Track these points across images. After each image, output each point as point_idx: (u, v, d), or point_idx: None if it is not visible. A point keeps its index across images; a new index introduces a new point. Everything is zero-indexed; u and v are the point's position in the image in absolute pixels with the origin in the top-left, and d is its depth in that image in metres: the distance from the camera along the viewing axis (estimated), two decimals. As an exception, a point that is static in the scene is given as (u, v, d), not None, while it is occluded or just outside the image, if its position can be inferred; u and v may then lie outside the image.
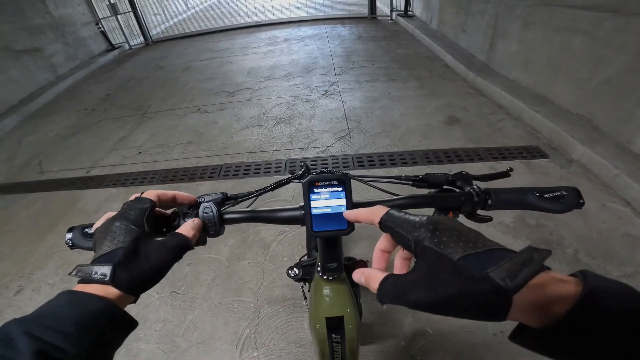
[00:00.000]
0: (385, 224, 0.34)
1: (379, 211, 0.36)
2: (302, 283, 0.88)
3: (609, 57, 2.45)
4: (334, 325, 0.63)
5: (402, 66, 4.26)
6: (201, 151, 2.77)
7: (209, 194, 0.50)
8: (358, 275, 0.35)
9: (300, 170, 0.54)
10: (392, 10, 7.12)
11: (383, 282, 0.31)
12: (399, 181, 0.53)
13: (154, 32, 8.83)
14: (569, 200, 0.45)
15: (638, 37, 2.24)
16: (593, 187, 2.05)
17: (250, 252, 1.85)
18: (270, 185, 0.54)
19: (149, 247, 0.38)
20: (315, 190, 0.45)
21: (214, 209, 0.48)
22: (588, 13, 2.64)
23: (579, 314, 0.24)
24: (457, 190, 0.51)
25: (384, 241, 0.37)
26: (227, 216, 0.50)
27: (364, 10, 7.58)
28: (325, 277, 0.63)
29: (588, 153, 2.23)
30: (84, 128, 3.69)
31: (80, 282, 0.35)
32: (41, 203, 2.48)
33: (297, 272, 0.81)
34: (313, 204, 0.45)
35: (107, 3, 7.23)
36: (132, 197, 0.43)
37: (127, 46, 7.55)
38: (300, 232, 1.82)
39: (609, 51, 2.44)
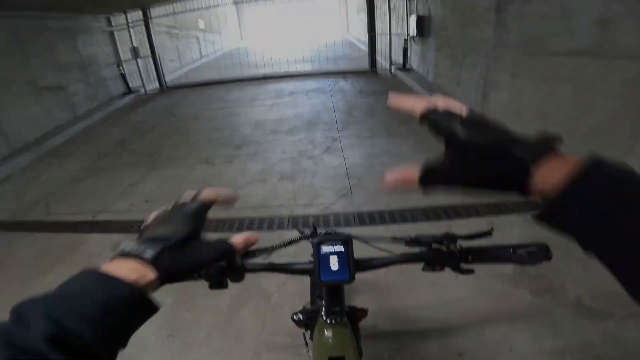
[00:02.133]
0: (427, 116, 0.38)
1: (422, 102, 0.39)
2: (303, 330, 0.92)
3: (594, 103, 2.50)
4: None
5: (401, 122, 4.51)
6: (207, 203, 2.87)
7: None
8: (392, 176, 0.37)
9: (309, 231, 0.63)
10: (391, 64, 7.64)
11: (423, 171, 0.36)
12: (395, 242, 0.61)
13: (169, 78, 9.40)
14: (539, 254, 0.53)
15: (619, 81, 2.30)
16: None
17: (252, 301, 1.88)
18: (284, 242, 0.63)
19: (198, 243, 0.40)
20: (323, 247, 0.55)
21: (239, 258, 0.56)
22: (570, 59, 2.72)
23: (584, 179, 0.27)
24: (444, 248, 0.58)
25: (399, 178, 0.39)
26: (249, 265, 0.58)
27: (365, 64, 8.12)
28: (329, 322, 0.69)
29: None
30: (95, 172, 3.83)
31: (119, 255, 0.36)
32: (44, 243, 2.52)
33: (301, 317, 0.85)
34: (322, 258, 0.54)
35: (130, 46, 7.74)
36: (187, 194, 0.45)
37: (143, 91, 8.01)
38: (300, 284, 1.86)
39: (594, 98, 2.49)
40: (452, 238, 0.59)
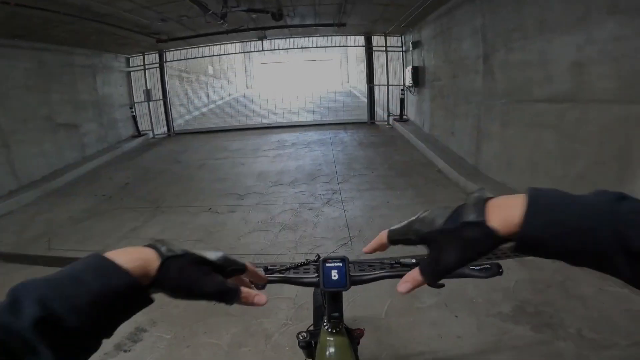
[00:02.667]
0: (392, 238, 0.45)
1: (383, 235, 0.47)
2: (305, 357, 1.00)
3: (577, 150, 2.54)
4: None
5: (399, 173, 4.68)
6: (209, 251, 2.91)
7: (260, 265, 0.73)
8: (404, 285, 0.42)
9: (315, 257, 0.79)
10: (389, 115, 8.04)
11: (421, 271, 0.40)
12: (383, 265, 0.77)
13: (177, 123, 9.78)
14: (492, 270, 0.64)
15: (598, 126, 2.34)
16: (586, 275, 2.14)
17: (252, 340, 1.87)
18: (295, 264, 0.78)
19: (210, 275, 0.40)
20: (327, 264, 0.70)
21: (261, 271, 0.66)
22: (551, 106, 2.80)
23: (529, 215, 0.32)
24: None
25: (374, 247, 0.49)
26: (270, 279, 0.71)
27: (364, 115, 8.55)
28: (330, 330, 0.81)
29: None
30: (99, 214, 3.90)
31: (147, 246, 0.39)
32: (43, 274, 2.52)
33: (305, 335, 0.95)
34: (325, 272, 0.69)
35: (144, 88, 8.07)
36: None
37: (151, 134, 8.33)
38: (302, 326, 1.86)
39: (577, 144, 2.55)
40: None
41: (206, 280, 0.39)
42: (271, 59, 22.78)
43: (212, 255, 0.42)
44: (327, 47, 8.56)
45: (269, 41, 7.97)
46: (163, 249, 0.38)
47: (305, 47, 8.16)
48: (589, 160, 2.49)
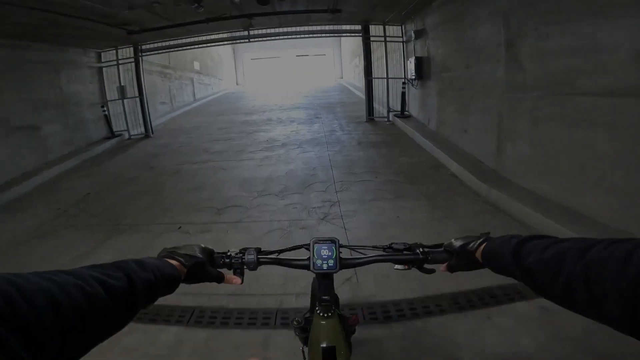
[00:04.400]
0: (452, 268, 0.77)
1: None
2: (302, 345, 1.00)
3: None
4: (328, 352, 0.78)
5: (408, 179, 4.00)
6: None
7: (252, 247, 0.80)
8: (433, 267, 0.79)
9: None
10: (389, 111, 7.34)
11: (448, 266, 0.76)
12: (375, 248, 0.82)
13: (158, 122, 9.02)
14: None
15: None
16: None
17: None
18: (288, 247, 0.84)
19: (207, 268, 0.72)
20: (317, 245, 0.77)
21: (254, 254, 0.78)
22: (606, 100, 2.32)
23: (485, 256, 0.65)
24: (410, 252, 0.81)
25: None
26: (261, 260, 0.78)
27: (361, 111, 7.85)
28: (322, 315, 0.83)
29: None
30: (47, 233, 3.22)
31: (170, 255, 0.68)
32: None
33: (300, 321, 0.95)
34: (316, 254, 0.76)
35: (118, 85, 7.29)
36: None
37: (127, 135, 7.53)
38: None
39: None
40: (418, 246, 0.79)
41: (206, 272, 0.71)
42: (262, 54, 21.99)
43: (206, 257, 0.74)
44: (320, 36, 7.79)
45: (258, 32, 7.24)
46: (183, 260, 0.66)
47: (296, 37, 7.39)
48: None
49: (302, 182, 4.07)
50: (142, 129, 7.64)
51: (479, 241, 0.67)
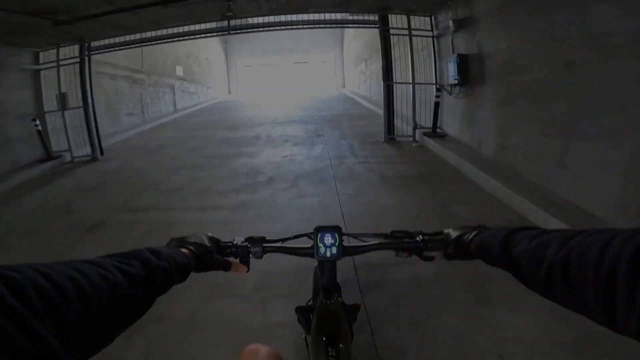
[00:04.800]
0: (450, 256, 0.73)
1: None
2: (305, 334, 0.95)
3: None
4: (331, 338, 0.77)
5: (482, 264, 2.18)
6: None
7: (257, 236, 0.80)
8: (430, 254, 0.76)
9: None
10: (415, 128, 5.55)
11: (445, 254, 0.73)
12: (377, 236, 0.82)
13: (120, 138, 7.22)
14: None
15: None
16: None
17: None
18: (293, 236, 0.86)
19: (214, 256, 0.71)
20: (320, 233, 0.76)
21: (260, 243, 0.78)
22: None
23: (477, 246, 0.62)
24: (411, 241, 0.78)
25: None
26: (266, 248, 0.78)
27: (374, 127, 6.02)
28: (325, 301, 0.84)
29: None
30: None
31: (180, 244, 0.67)
32: None
33: (303, 308, 0.94)
34: (319, 242, 0.76)
35: (57, 92, 5.59)
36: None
37: (69, 157, 5.73)
38: None
39: None
40: (418, 233, 0.77)
41: (214, 261, 0.70)
42: (256, 61, 20.35)
43: (214, 245, 0.72)
44: (320, 27, 5.99)
45: (241, 23, 5.52)
46: (193, 249, 0.65)
47: (290, 27, 5.62)
48: None
49: (297, 269, 2.07)
50: (89, 150, 5.81)
51: (473, 233, 0.64)
